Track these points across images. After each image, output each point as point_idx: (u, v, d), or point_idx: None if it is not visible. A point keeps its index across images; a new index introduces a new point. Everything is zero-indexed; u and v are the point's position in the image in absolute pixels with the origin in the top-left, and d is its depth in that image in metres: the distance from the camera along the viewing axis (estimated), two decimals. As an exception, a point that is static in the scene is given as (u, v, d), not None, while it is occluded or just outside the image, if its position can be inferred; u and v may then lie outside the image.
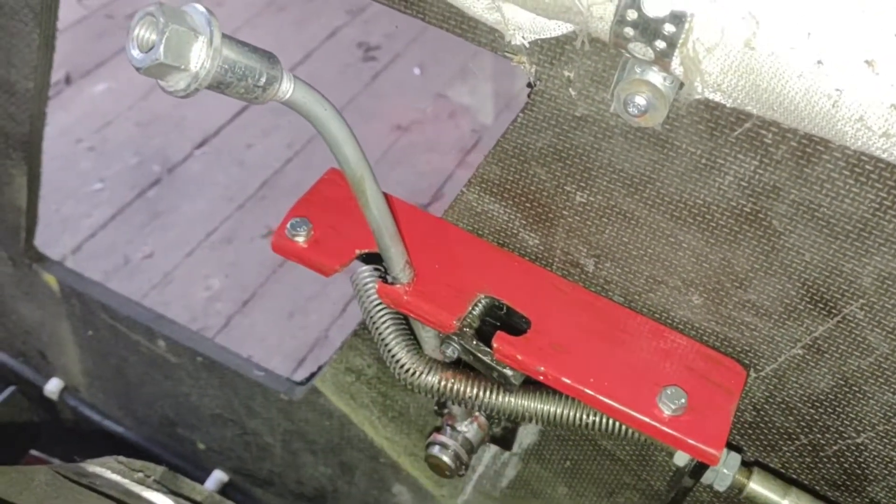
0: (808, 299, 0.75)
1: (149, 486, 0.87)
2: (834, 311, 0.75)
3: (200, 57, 0.56)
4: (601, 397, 0.79)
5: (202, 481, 1.54)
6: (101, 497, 0.66)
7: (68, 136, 2.86)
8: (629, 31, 0.58)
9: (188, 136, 2.91)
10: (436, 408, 1.09)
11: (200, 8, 0.58)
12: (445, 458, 1.00)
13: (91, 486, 0.68)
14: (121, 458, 0.90)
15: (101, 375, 1.52)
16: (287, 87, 0.64)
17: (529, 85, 0.75)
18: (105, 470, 0.84)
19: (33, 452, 1.63)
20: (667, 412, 0.77)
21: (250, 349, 2.39)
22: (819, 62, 0.54)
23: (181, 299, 2.51)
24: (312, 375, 1.24)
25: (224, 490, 1.53)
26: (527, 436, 1.08)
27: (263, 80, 0.61)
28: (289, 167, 2.83)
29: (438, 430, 1.03)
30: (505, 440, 1.07)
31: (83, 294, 1.36)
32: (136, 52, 0.58)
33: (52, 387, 1.59)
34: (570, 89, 0.73)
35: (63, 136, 2.85)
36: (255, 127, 2.95)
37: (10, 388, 1.50)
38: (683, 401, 0.77)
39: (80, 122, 2.90)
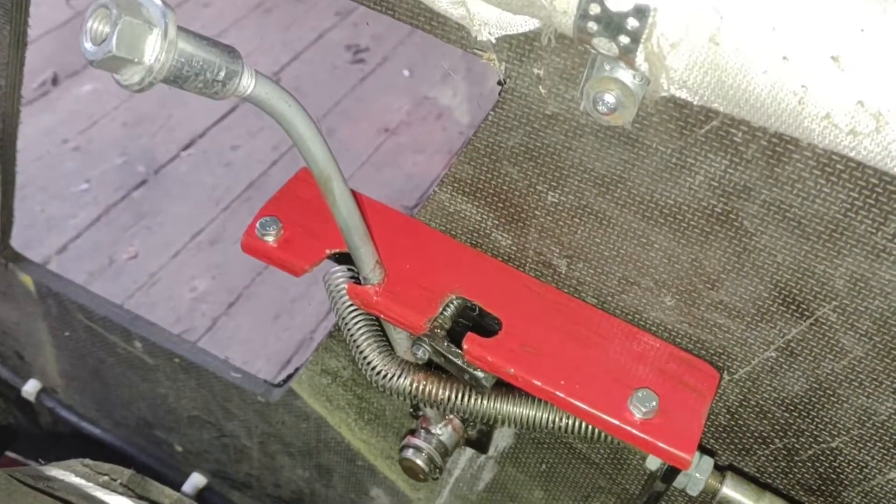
0: (780, 301, 0.74)
1: (114, 490, 0.85)
2: (807, 313, 0.74)
3: (155, 50, 0.55)
4: (571, 400, 0.77)
5: (180, 484, 1.52)
6: (56, 501, 0.65)
7: (54, 137, 2.84)
8: (592, 25, 0.57)
9: (174, 137, 2.90)
10: (412, 410, 1.08)
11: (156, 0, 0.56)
12: (419, 462, 0.99)
13: (48, 489, 0.66)
14: (87, 461, 0.88)
15: (78, 377, 1.51)
16: (248, 83, 0.63)
17: (500, 83, 0.74)
18: (68, 473, 0.82)
19: (9, 454, 1.62)
20: (637, 415, 0.76)
21: (235, 351, 2.37)
22: (784, 58, 0.53)
23: (166, 301, 2.49)
24: (289, 377, 1.22)
25: (202, 493, 1.52)
26: (502, 439, 1.06)
27: (223, 74, 0.60)
28: (274, 169, 2.82)
29: (413, 432, 1.02)
30: (480, 443, 1.06)
31: (60, 294, 1.35)
32: (88, 45, 0.57)
33: (30, 388, 1.57)
34: (540, 87, 0.72)
35: (48, 136, 2.83)
36: (240, 128, 2.94)
37: (-15, 390, 1.48)
38: (654, 404, 0.76)
39: (65, 123, 2.89)
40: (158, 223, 2.66)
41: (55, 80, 3.01)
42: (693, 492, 0.83)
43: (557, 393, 0.78)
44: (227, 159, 2.86)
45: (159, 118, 2.93)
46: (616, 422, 0.76)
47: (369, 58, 3.25)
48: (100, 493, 0.82)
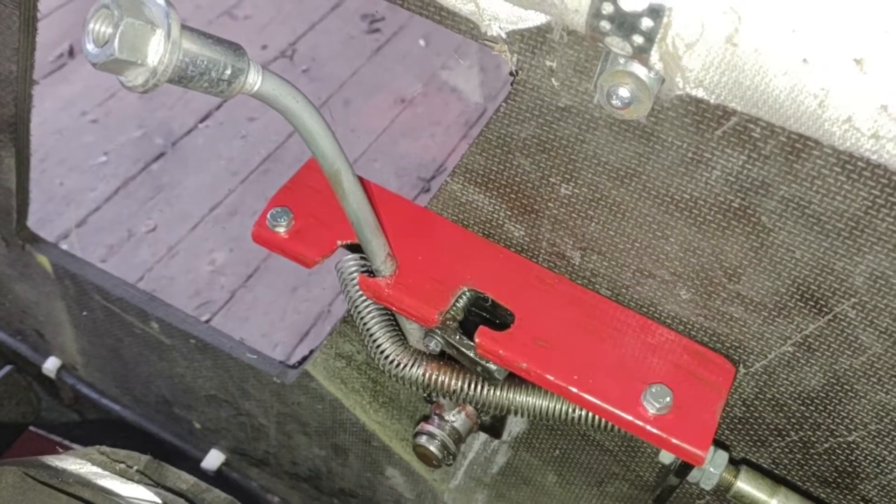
0: (798, 297, 0.73)
1: (130, 478, 0.86)
2: (825, 309, 0.72)
3: (158, 51, 0.54)
4: (584, 395, 0.77)
5: (200, 460, 1.54)
6: (70, 498, 0.65)
7: (72, 109, 2.83)
8: (605, 24, 0.55)
9: (191, 108, 2.89)
10: (425, 396, 1.08)
11: (159, -1, 0.55)
12: (432, 448, 0.99)
13: (61, 486, 0.67)
14: (104, 448, 0.89)
15: (97, 355, 1.52)
16: (255, 80, 0.62)
17: (512, 74, 0.73)
18: (84, 462, 0.83)
19: (32, 429, 1.64)
20: (651, 411, 0.75)
21: (254, 323, 2.38)
22: (804, 60, 0.51)
23: (185, 274, 2.50)
24: (304, 360, 1.23)
25: (221, 469, 1.54)
26: (516, 424, 1.06)
27: (228, 72, 0.59)
28: (291, 140, 2.81)
29: (427, 419, 1.02)
30: (494, 429, 1.06)
31: (76, 275, 1.36)
32: (91, 47, 0.56)
33: (50, 365, 1.59)
34: (553, 79, 0.70)
35: (67, 109, 2.83)
36: (257, 100, 2.92)
37: (7, 368, 1.50)
38: (669, 399, 0.75)
39: (83, 95, 2.88)
40: (176, 196, 2.67)
41: (72, 53, 2.99)
42: (707, 486, 0.83)
43: (570, 388, 0.77)
44: (244, 131, 2.85)
45: (176, 90, 2.92)
46: (629, 417, 0.76)
47: (385, 27, 3.21)
48: (115, 483, 0.82)
